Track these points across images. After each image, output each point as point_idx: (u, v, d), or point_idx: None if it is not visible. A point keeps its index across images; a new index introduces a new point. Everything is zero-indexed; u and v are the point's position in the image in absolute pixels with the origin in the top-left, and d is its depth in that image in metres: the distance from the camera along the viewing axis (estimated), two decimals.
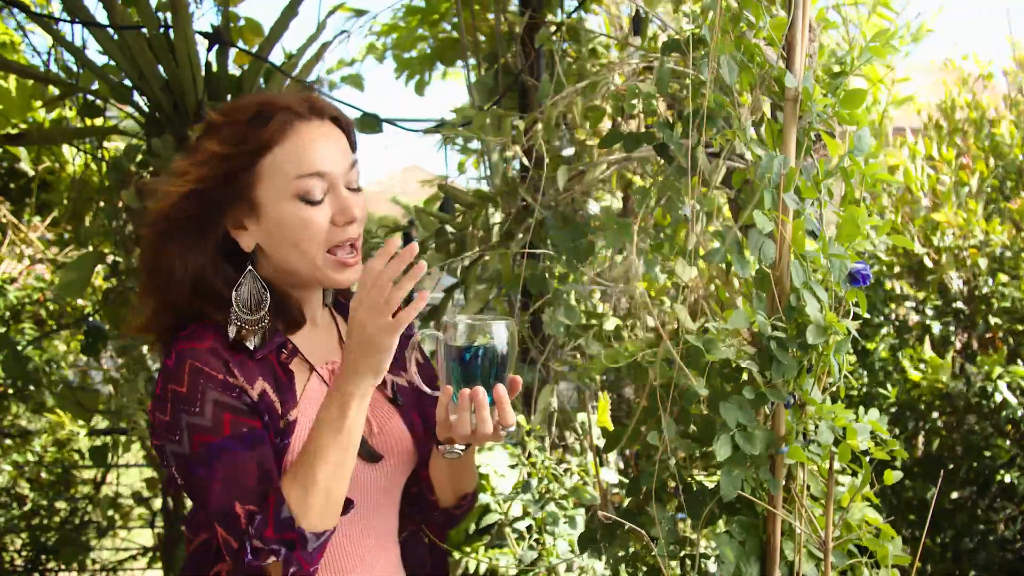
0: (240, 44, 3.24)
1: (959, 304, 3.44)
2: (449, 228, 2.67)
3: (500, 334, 1.39)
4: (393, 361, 1.53)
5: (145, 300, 1.49)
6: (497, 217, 2.75)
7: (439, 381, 1.43)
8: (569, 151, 2.57)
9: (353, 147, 1.53)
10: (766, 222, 1.50)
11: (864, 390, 3.36)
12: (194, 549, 1.50)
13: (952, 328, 3.44)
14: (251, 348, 1.44)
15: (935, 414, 3.33)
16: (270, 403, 1.43)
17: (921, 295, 3.49)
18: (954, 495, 3.36)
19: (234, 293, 1.44)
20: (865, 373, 3.36)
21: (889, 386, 3.28)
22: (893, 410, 3.31)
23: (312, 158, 1.43)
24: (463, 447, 1.46)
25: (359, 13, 3.95)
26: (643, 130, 1.77)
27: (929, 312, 3.39)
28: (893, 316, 3.48)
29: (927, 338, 3.38)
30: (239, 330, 1.43)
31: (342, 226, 1.44)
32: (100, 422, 4.02)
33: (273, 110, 1.44)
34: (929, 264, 3.43)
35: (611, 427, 2.34)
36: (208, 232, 1.45)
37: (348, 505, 1.40)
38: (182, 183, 1.43)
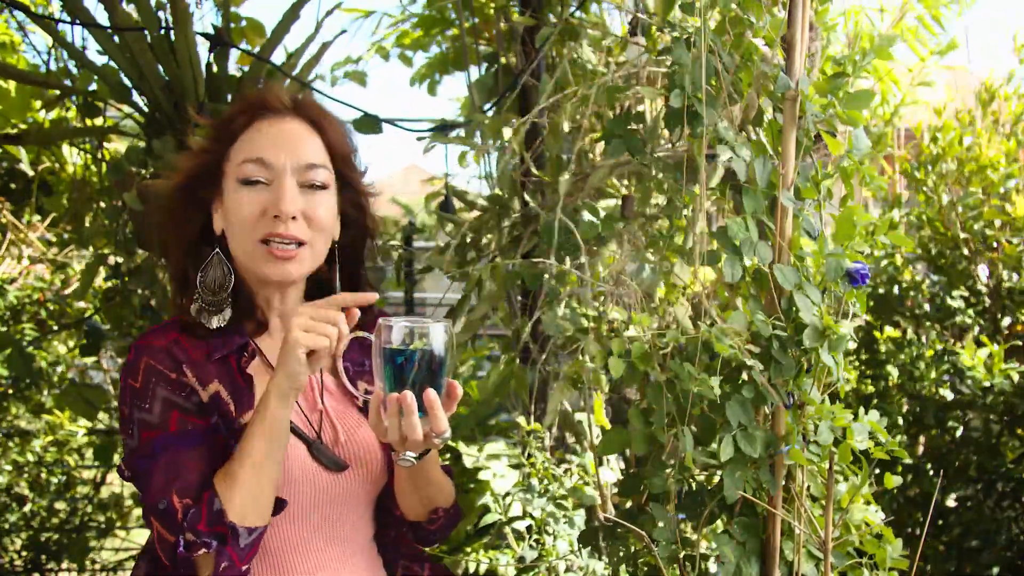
0: (242, 45, 3.24)
1: (985, 298, 3.42)
2: (464, 232, 2.68)
3: (438, 337, 1.33)
4: (367, 370, 1.54)
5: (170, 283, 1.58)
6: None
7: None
8: (568, 153, 2.58)
9: (333, 152, 1.52)
10: (751, 225, 1.50)
11: (880, 383, 3.35)
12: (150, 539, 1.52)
13: (970, 321, 3.41)
14: (214, 328, 1.47)
15: (956, 412, 3.30)
16: (223, 405, 1.45)
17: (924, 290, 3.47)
18: (960, 493, 3.35)
19: (199, 275, 1.49)
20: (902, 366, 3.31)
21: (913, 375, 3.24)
22: (908, 405, 3.29)
23: (259, 145, 1.47)
24: (415, 455, 1.39)
25: (366, 14, 3.96)
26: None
27: (959, 304, 3.35)
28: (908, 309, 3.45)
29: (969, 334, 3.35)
30: (200, 310, 1.47)
31: (271, 219, 1.44)
32: (98, 423, 4.01)
33: (248, 106, 1.51)
34: (966, 252, 3.40)
35: (608, 427, 2.34)
36: (193, 220, 1.51)
37: (280, 504, 1.41)
38: (174, 176, 1.53)
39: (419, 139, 2.69)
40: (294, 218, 1.44)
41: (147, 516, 1.40)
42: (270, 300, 1.53)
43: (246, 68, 2.97)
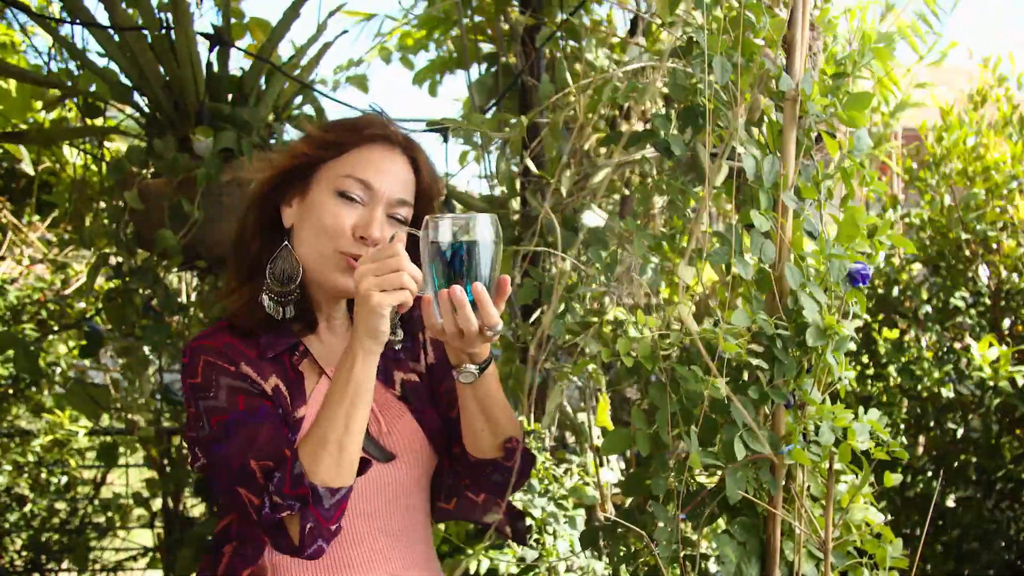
0: (242, 43, 3.24)
1: (986, 299, 3.41)
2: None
3: (484, 229, 1.33)
4: (403, 358, 1.58)
5: (229, 273, 1.60)
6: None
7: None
8: (566, 149, 2.58)
9: (420, 193, 1.57)
10: (763, 222, 1.50)
11: (878, 384, 3.34)
12: (218, 531, 1.58)
13: (971, 322, 3.40)
14: (282, 319, 1.51)
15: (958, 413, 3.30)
16: (282, 398, 1.49)
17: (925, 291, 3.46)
18: (959, 494, 3.35)
19: (269, 266, 1.53)
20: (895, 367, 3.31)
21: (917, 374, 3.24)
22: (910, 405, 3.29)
23: (367, 168, 1.52)
24: (476, 367, 1.45)
25: (368, 17, 3.96)
26: (644, 129, 1.77)
27: (962, 305, 3.35)
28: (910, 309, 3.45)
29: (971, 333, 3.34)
30: (270, 301, 1.52)
31: (357, 239, 1.49)
32: (101, 422, 4.02)
33: (366, 127, 1.56)
34: (967, 253, 3.39)
35: (611, 427, 2.35)
36: (268, 212, 1.56)
37: (364, 464, 1.43)
38: (267, 168, 1.57)
39: (427, 130, 2.69)
40: (376, 243, 1.49)
41: (229, 493, 1.42)
42: (320, 304, 1.58)
43: (247, 67, 2.97)
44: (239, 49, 2.95)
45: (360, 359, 1.37)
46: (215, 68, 2.85)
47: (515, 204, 2.79)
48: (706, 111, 1.53)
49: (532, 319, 2.63)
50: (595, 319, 1.64)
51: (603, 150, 2.79)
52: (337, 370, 1.40)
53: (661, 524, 1.57)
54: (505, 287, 1.38)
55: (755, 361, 1.49)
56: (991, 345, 3.12)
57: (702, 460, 1.51)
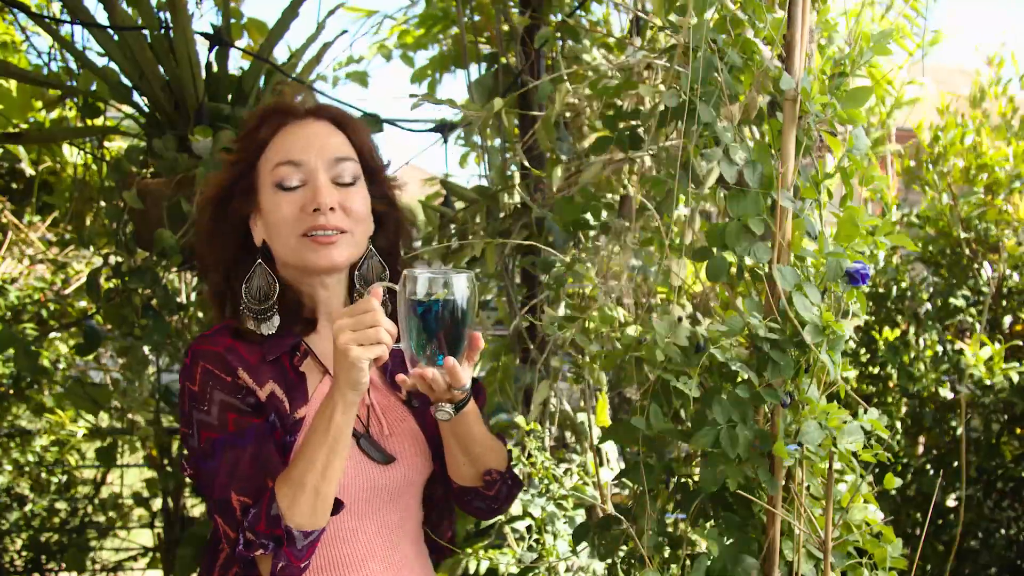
0: (242, 43, 3.24)
1: (987, 296, 3.40)
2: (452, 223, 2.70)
3: (460, 287, 1.36)
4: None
5: (207, 289, 1.63)
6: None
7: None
8: (566, 150, 2.57)
9: (359, 147, 1.58)
10: (756, 223, 1.51)
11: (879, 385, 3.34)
12: (214, 529, 1.58)
13: (972, 320, 3.40)
14: (265, 335, 1.52)
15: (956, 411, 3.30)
16: (278, 404, 1.50)
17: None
18: (960, 493, 3.35)
19: (244, 286, 1.54)
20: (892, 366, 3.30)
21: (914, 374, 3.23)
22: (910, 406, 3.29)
23: (289, 148, 1.52)
24: (451, 407, 1.47)
25: (368, 14, 3.96)
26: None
27: (962, 303, 3.34)
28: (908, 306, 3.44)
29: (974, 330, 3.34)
30: (249, 319, 1.53)
31: (310, 213, 1.49)
32: (100, 422, 4.01)
33: (270, 115, 1.56)
34: (967, 252, 3.39)
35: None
36: (230, 235, 1.56)
37: (338, 505, 1.45)
38: (209, 188, 1.58)
39: (429, 131, 2.70)
40: (332, 209, 1.49)
41: (210, 512, 1.47)
42: (315, 296, 1.58)
43: (246, 67, 2.97)
44: (239, 49, 2.95)
45: (340, 409, 1.39)
46: (214, 68, 2.85)
47: (506, 198, 2.79)
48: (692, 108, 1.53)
49: (527, 307, 2.63)
50: (580, 314, 1.64)
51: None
52: (317, 417, 1.41)
53: (648, 515, 1.58)
54: (477, 344, 1.42)
55: (735, 366, 1.49)
56: (983, 344, 3.12)
57: (660, 426, 1.52)
